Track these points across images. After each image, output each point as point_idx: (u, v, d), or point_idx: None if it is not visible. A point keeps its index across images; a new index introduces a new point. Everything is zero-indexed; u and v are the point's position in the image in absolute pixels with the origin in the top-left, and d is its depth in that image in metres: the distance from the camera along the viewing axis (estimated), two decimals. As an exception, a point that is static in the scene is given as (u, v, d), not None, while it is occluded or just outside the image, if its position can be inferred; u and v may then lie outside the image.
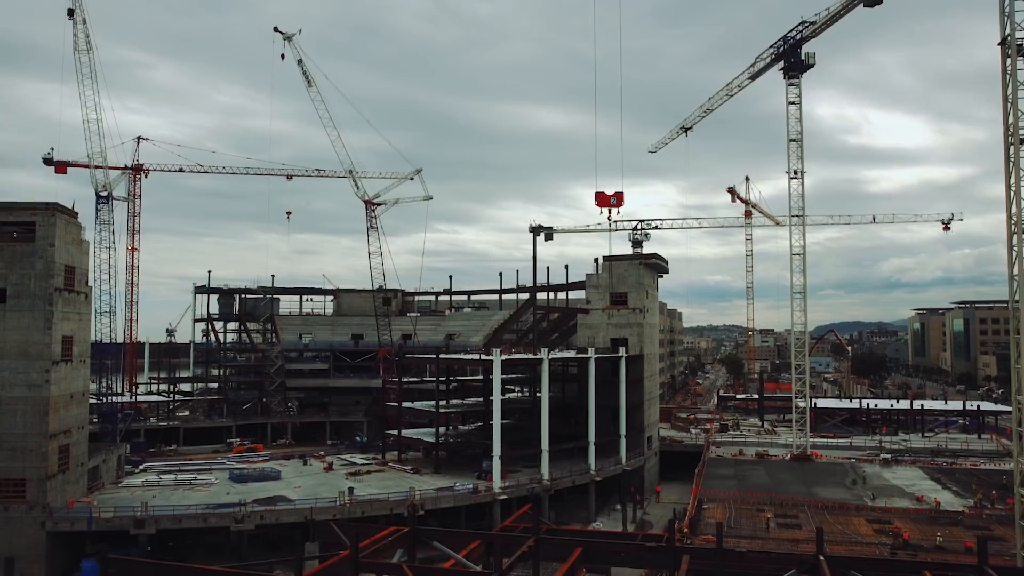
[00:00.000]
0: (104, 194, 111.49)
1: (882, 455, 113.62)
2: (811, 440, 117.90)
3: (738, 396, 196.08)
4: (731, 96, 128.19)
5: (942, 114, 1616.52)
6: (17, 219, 76.94)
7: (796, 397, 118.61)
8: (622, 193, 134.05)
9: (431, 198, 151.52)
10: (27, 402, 74.14)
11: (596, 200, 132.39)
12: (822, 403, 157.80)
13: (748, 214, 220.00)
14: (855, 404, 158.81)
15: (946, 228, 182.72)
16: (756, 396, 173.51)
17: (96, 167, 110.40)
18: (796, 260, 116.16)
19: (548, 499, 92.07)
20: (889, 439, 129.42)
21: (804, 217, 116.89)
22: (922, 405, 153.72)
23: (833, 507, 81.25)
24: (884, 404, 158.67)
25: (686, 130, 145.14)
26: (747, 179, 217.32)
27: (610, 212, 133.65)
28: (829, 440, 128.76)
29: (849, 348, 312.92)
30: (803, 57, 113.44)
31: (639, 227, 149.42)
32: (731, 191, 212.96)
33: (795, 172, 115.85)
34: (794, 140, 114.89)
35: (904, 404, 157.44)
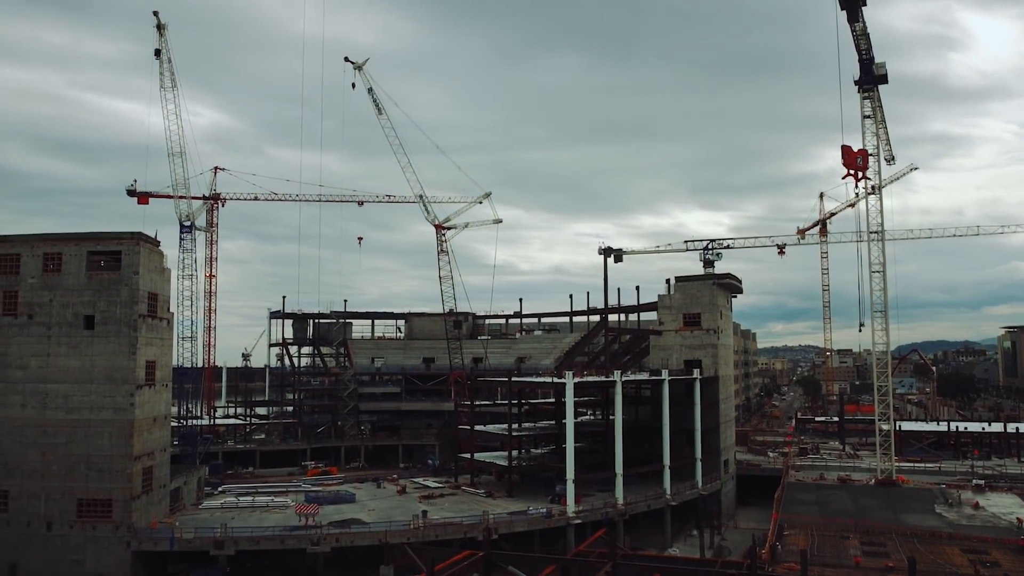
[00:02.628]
0: (188, 224, 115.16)
1: (975, 481, 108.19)
2: (896, 464, 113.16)
3: (817, 418, 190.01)
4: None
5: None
6: (104, 248, 79.82)
7: (879, 419, 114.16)
8: (866, 152, 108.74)
9: (500, 221, 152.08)
10: (113, 425, 76.46)
11: (843, 158, 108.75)
12: (907, 426, 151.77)
13: (823, 231, 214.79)
14: (943, 427, 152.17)
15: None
16: (836, 418, 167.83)
17: (180, 197, 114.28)
18: (876, 278, 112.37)
19: (623, 524, 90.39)
20: (982, 464, 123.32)
21: (883, 232, 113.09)
22: (1017, 428, 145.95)
23: (923, 535, 77.42)
24: (975, 427, 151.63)
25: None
26: (821, 195, 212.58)
27: (856, 177, 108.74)
28: (916, 464, 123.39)
29: (934, 368, 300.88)
30: (875, 69, 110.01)
31: (711, 246, 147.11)
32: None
33: (872, 187, 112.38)
34: (871, 155, 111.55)
35: (997, 427, 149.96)
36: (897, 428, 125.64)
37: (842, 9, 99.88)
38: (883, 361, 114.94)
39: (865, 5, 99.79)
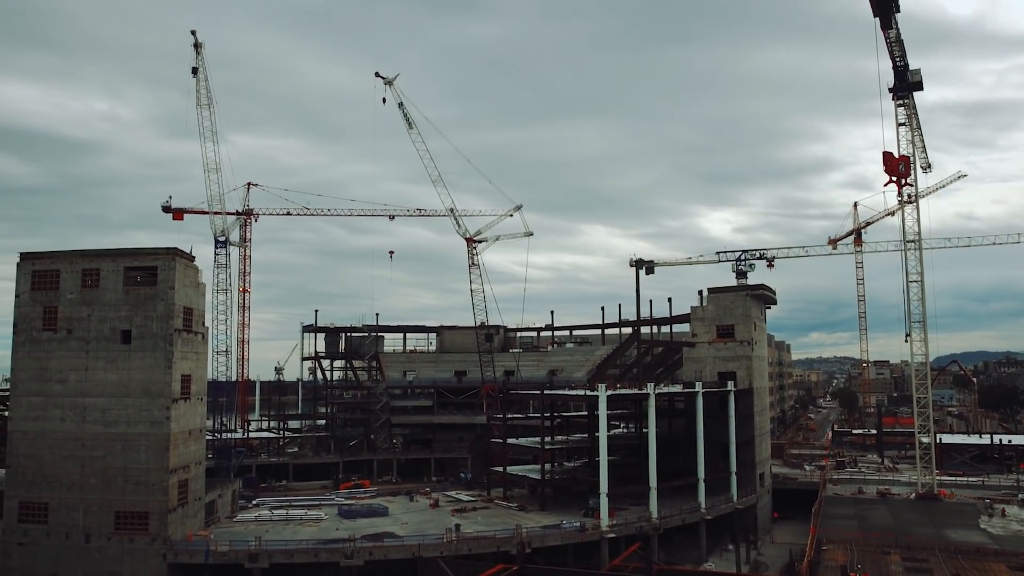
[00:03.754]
0: (222, 239, 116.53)
1: (1020, 495, 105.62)
2: (938, 478, 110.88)
3: (854, 431, 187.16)
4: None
5: None
6: (140, 264, 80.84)
7: (919, 432, 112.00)
8: (908, 159, 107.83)
9: (531, 234, 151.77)
10: (149, 438, 77.23)
11: (884, 165, 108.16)
12: (948, 438, 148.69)
13: (858, 241, 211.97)
14: (985, 439, 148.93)
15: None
16: (874, 431, 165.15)
17: (215, 213, 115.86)
18: (914, 287, 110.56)
19: (657, 538, 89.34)
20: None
21: (920, 242, 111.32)
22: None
23: (968, 551, 75.60)
24: (1019, 440, 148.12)
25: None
26: (855, 205, 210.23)
27: (900, 184, 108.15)
28: (958, 478, 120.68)
29: (974, 380, 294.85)
30: (910, 76, 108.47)
31: (743, 257, 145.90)
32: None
33: (908, 196, 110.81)
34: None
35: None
36: (938, 441, 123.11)
37: (875, 16, 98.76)
38: (922, 372, 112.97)
39: (899, 11, 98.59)
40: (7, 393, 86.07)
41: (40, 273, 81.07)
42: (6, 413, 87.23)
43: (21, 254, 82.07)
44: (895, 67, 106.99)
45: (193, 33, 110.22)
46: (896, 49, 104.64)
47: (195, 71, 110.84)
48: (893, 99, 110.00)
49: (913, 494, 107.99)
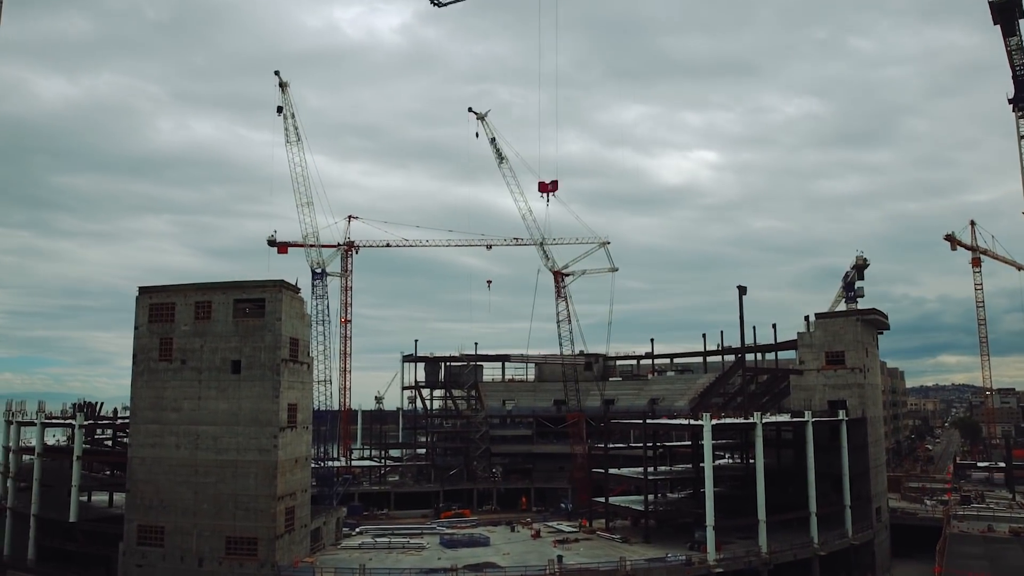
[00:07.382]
0: (319, 271, 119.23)
1: None
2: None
3: (979, 464, 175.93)
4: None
5: None
6: (249, 296, 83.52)
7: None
8: None
9: (616, 270, 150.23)
10: (258, 465, 79.07)
11: None
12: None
13: (976, 262, 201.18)
14: None
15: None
16: (1002, 464, 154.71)
17: (314, 246, 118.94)
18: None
19: (767, 574, 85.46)
20: None
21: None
22: None
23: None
24: None
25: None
26: (972, 223, 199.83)
27: None
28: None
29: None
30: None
31: (850, 274, 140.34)
32: (950, 238, 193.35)
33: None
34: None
35: None
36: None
37: (995, 23, 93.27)
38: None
39: (1023, 17, 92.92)
40: (127, 421, 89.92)
41: (157, 306, 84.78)
42: (126, 440, 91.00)
43: (140, 288, 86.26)
44: (1015, 76, 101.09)
45: (277, 74, 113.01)
46: (1017, 57, 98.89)
47: (280, 110, 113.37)
48: (1014, 110, 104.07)
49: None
